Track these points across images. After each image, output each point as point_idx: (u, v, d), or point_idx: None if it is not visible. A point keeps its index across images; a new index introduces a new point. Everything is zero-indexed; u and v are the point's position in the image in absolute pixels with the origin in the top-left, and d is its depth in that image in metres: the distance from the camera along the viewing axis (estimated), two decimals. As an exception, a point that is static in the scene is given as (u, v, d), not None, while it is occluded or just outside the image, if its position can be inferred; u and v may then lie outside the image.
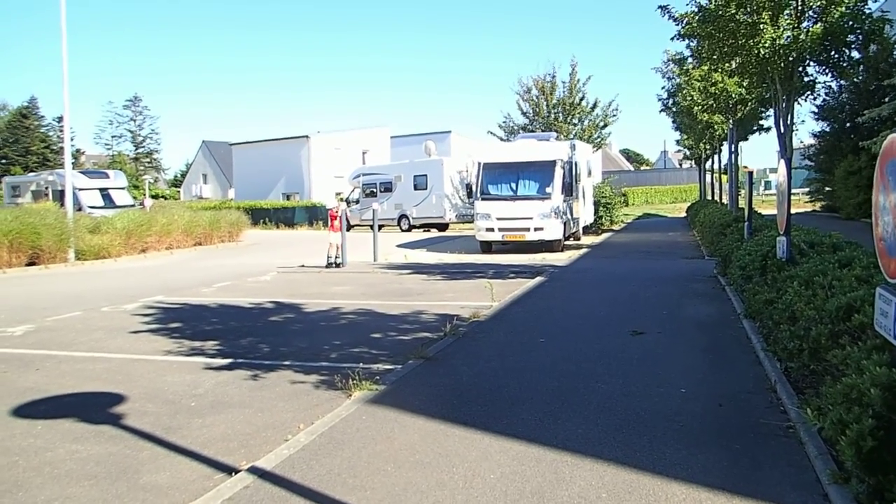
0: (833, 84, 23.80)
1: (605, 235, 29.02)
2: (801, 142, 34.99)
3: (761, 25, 12.41)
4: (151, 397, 6.53)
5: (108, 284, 16.01)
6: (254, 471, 4.52)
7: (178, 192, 74.91)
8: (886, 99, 23.66)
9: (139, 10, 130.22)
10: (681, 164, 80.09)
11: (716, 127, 25.67)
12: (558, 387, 6.34)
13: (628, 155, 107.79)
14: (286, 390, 6.64)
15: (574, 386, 6.37)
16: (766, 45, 12.39)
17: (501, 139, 36.13)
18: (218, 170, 68.17)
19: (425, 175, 35.72)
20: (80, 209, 26.81)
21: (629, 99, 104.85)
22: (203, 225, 27.94)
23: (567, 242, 23.22)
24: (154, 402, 6.36)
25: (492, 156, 23.39)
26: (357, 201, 37.44)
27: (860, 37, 12.64)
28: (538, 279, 14.29)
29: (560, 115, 35.19)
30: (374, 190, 37.25)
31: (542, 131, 31.68)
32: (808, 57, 12.73)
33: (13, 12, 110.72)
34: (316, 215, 42.79)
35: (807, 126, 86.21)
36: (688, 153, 45.33)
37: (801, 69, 13.14)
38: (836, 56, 12.95)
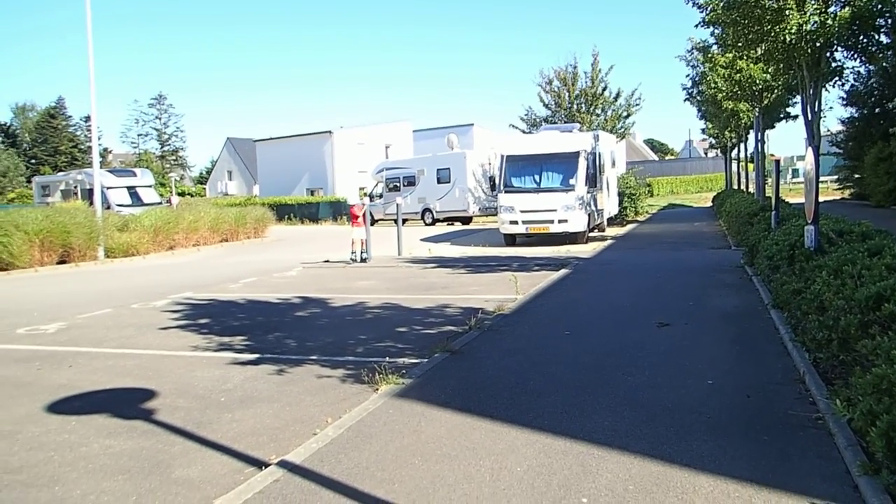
0: (861, 69, 23.39)
1: (629, 226, 28.84)
2: (828, 129, 34.44)
3: (787, 11, 12.23)
4: (182, 392, 6.63)
5: (137, 281, 16.24)
6: (283, 464, 4.58)
7: (204, 189, 75.68)
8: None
9: (163, 8, 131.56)
10: (706, 154, 79.41)
11: (741, 115, 25.35)
12: (584, 379, 6.34)
13: (653, 145, 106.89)
14: (313, 385, 6.71)
15: (600, 378, 6.36)
16: (793, 30, 12.21)
17: (524, 132, 36.00)
18: (242, 166, 68.73)
19: (448, 168, 35.70)
20: (108, 207, 27.18)
21: (653, 88, 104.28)
22: (229, 221, 28.22)
23: (591, 234, 23.11)
24: (184, 398, 6.46)
25: (515, 148, 23.32)
26: (381, 196, 37.54)
27: (889, 20, 12.42)
28: (563, 271, 14.25)
29: (582, 105, 34.98)
30: (398, 184, 37.32)
31: (565, 123, 31.54)
32: (835, 42, 12.54)
33: (39, 13, 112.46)
34: (340, 210, 42.96)
35: (835, 112, 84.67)
36: (713, 142, 44.90)
37: (828, 55, 12.94)
38: (865, 41, 12.74)
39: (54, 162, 70.34)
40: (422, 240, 25.03)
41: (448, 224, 35.54)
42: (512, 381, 6.40)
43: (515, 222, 21.65)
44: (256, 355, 8.00)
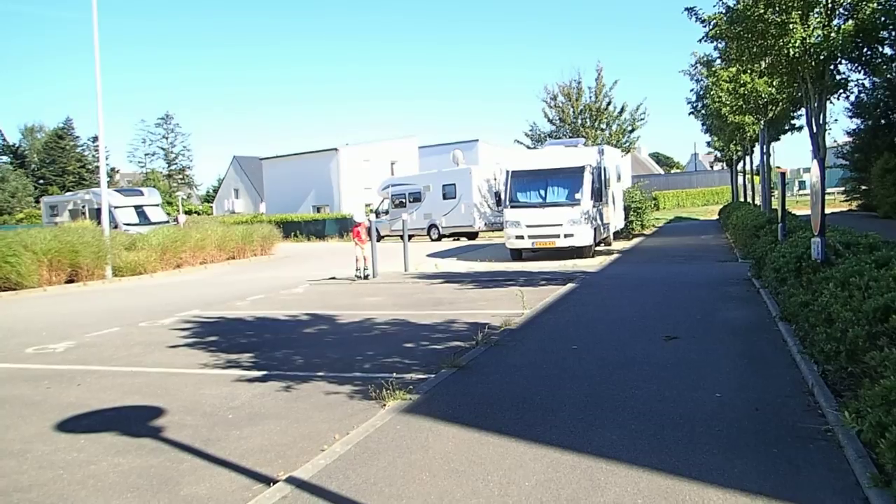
0: (866, 82, 23.39)
1: (636, 240, 28.81)
2: (835, 141, 34.44)
3: (791, 25, 12.26)
4: (190, 410, 6.64)
5: (145, 300, 16.30)
6: (291, 481, 4.58)
7: (211, 207, 76.00)
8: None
9: (169, 28, 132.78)
10: (712, 167, 79.34)
11: (746, 128, 25.37)
12: (592, 393, 6.33)
13: (658, 158, 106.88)
14: (321, 401, 6.71)
15: (608, 392, 6.34)
16: (797, 44, 12.24)
17: (529, 147, 36.08)
18: (249, 184, 69.03)
19: (454, 184, 35.80)
20: (116, 227, 27.34)
21: (658, 102, 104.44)
22: (236, 239, 28.34)
23: (598, 248, 23.09)
24: (192, 415, 6.47)
25: (520, 163, 23.38)
26: (387, 212, 37.65)
27: (893, 33, 12.43)
28: (569, 286, 14.24)
29: (587, 120, 35.02)
30: (404, 200, 37.43)
31: (570, 137, 31.60)
32: (839, 55, 12.54)
33: (47, 35, 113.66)
34: (346, 227, 43.03)
35: (840, 124, 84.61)
36: (719, 155, 44.87)
37: (832, 68, 12.96)
38: (869, 53, 12.75)
39: (62, 182, 70.76)
40: (428, 255, 25.06)
41: (454, 239, 35.58)
42: (519, 395, 6.39)
43: (521, 237, 21.67)
44: (264, 372, 8.01)
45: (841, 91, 13.82)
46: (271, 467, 5.03)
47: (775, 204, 18.00)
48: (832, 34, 12.12)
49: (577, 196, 21.30)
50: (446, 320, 10.93)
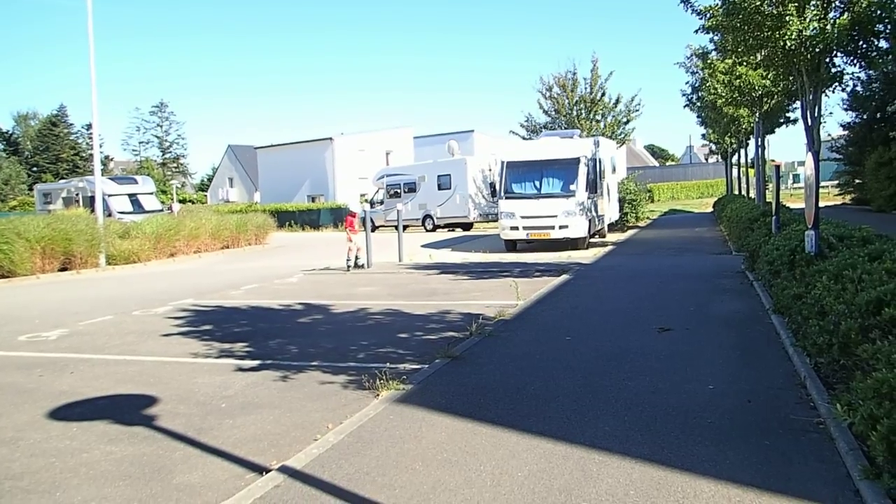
0: (862, 75, 23.41)
1: (630, 232, 28.84)
2: (829, 135, 34.50)
3: (787, 17, 12.25)
4: (183, 399, 6.64)
5: (139, 288, 16.26)
6: (284, 470, 4.59)
7: (205, 196, 75.81)
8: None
9: (164, 16, 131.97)
10: (707, 159, 79.47)
11: (742, 120, 25.37)
12: (585, 384, 6.34)
13: (653, 151, 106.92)
14: (315, 391, 6.71)
15: (601, 383, 6.36)
16: (793, 36, 12.23)
17: (524, 138, 36.06)
18: (244, 173, 68.83)
19: (449, 175, 35.76)
20: (109, 215, 27.28)
21: (653, 94, 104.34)
22: (230, 228, 28.28)
23: (592, 240, 23.12)
24: (186, 404, 6.46)
25: (515, 154, 23.36)
26: (381, 202, 37.61)
27: (889, 26, 12.43)
28: (564, 277, 14.26)
29: (582, 111, 35.03)
30: (398, 190, 37.39)
31: (565, 129, 31.58)
32: (835, 48, 12.54)
33: (41, 21, 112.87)
34: (341, 217, 42.96)
35: (835, 117, 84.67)
36: (714, 148, 44.96)
37: (828, 60, 12.95)
38: (864, 46, 12.74)
39: (56, 170, 70.53)
40: (423, 246, 25.05)
41: (449, 230, 35.57)
42: (513, 386, 6.40)
43: (516, 228, 21.67)
44: (258, 361, 8.00)
45: (836, 84, 13.81)
46: (264, 456, 5.03)
47: (769, 197, 18.05)
48: (828, 27, 12.12)
49: (572, 187, 21.30)
50: (440, 311, 10.93)
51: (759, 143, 23.01)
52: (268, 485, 4.37)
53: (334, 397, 6.44)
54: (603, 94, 35.13)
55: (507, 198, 22.04)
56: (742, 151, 33.85)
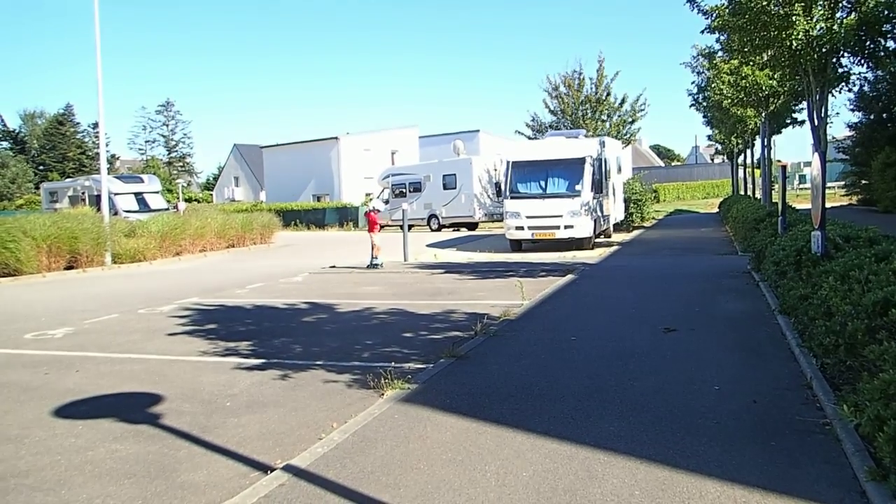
0: (868, 75, 23.34)
1: (636, 232, 28.81)
2: (834, 137, 34.42)
3: (794, 17, 12.22)
4: (188, 397, 6.64)
5: (144, 287, 16.29)
6: (289, 469, 4.59)
7: (211, 195, 75.96)
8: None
9: (170, 15, 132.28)
10: (712, 160, 79.22)
11: (748, 121, 25.33)
12: (590, 384, 6.33)
13: (659, 151, 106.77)
14: (319, 390, 6.71)
15: (606, 383, 6.34)
16: (799, 36, 12.21)
17: (529, 138, 36.04)
18: (249, 172, 68.97)
19: (454, 174, 35.76)
20: (115, 213, 27.32)
21: (659, 95, 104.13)
22: (235, 227, 28.32)
23: (597, 240, 23.09)
24: (190, 402, 6.47)
25: (520, 154, 23.35)
26: (387, 201, 37.60)
27: (896, 26, 12.41)
28: (569, 277, 14.24)
29: (588, 111, 34.99)
30: (404, 190, 37.40)
31: (570, 129, 31.55)
32: (841, 48, 12.51)
33: (48, 20, 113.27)
34: (346, 216, 43.09)
35: (841, 118, 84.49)
36: (719, 148, 44.84)
37: (834, 60, 12.92)
38: (871, 46, 12.71)
39: (62, 168, 70.73)
40: (428, 245, 25.05)
41: (454, 230, 35.57)
42: (518, 386, 6.39)
43: (521, 228, 21.66)
44: (263, 360, 8.01)
45: (843, 84, 13.79)
46: (269, 455, 5.03)
47: (776, 197, 17.98)
48: (835, 27, 12.09)
49: (578, 187, 21.28)
50: (445, 310, 10.93)
51: (766, 144, 22.99)
52: (272, 483, 4.37)
53: (339, 396, 6.44)
54: (608, 94, 35.09)
55: (512, 198, 22.03)
56: (748, 152, 33.79)
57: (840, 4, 12.44)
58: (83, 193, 34.51)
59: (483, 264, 18.12)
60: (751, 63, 16.41)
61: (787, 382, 6.05)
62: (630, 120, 35.54)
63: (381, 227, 20.23)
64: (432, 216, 36.34)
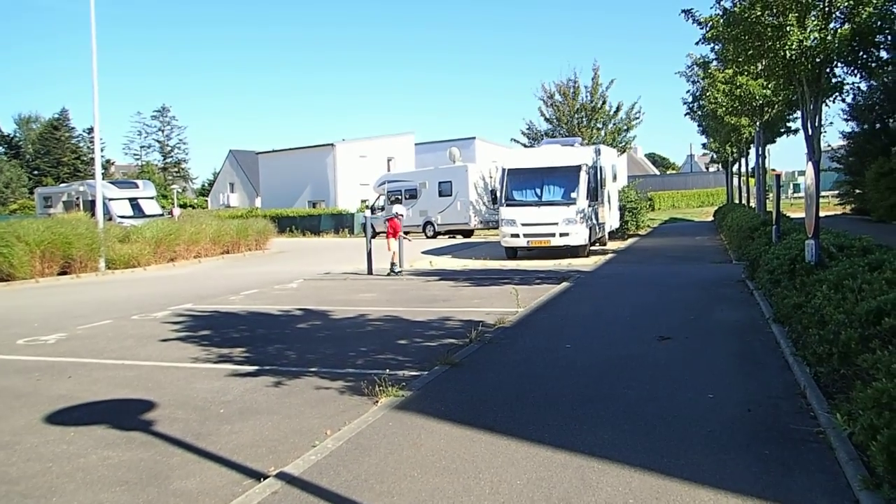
0: (862, 85, 23.46)
1: (631, 240, 28.85)
2: (829, 145, 34.54)
3: (788, 27, 12.26)
4: (181, 404, 6.62)
5: (138, 293, 16.24)
6: (282, 476, 4.57)
7: (206, 200, 75.86)
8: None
9: (167, 21, 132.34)
10: (707, 168, 79.55)
11: (742, 130, 25.41)
12: (584, 392, 6.32)
13: (654, 159, 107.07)
14: (313, 397, 6.69)
15: (600, 391, 6.34)
16: (794, 46, 12.24)
17: (525, 145, 36.12)
18: (245, 178, 68.91)
19: (450, 181, 35.80)
20: (110, 219, 27.29)
21: (654, 103, 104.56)
22: (230, 233, 28.24)
23: (593, 248, 23.11)
24: (184, 409, 6.44)
25: (516, 161, 23.38)
26: (382, 208, 37.60)
27: (889, 36, 12.46)
28: (564, 285, 14.25)
29: (583, 119, 35.08)
30: (399, 197, 37.35)
31: (566, 136, 31.62)
32: (835, 58, 12.55)
33: (44, 24, 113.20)
34: (342, 223, 43.02)
35: (836, 127, 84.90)
36: (714, 157, 45.01)
37: (828, 70, 12.97)
38: (865, 56, 12.76)
39: (57, 173, 70.54)
40: (423, 252, 25.04)
41: (449, 237, 35.55)
42: (512, 393, 6.38)
43: (517, 235, 21.66)
44: (256, 367, 7.98)
45: (837, 94, 13.83)
46: (262, 462, 5.01)
47: (770, 206, 18.05)
48: (829, 37, 12.13)
49: (573, 195, 21.30)
50: (440, 317, 10.92)
51: (760, 153, 23.04)
52: (265, 491, 4.35)
53: (333, 403, 6.42)
54: (604, 102, 35.21)
55: (507, 205, 22.04)
56: (743, 160, 33.91)
57: (834, 15, 12.49)
58: (77, 198, 34.42)
59: (478, 271, 18.12)
60: (745, 73, 16.47)
61: (781, 391, 6.06)
62: (625, 128, 35.65)
63: (376, 233, 20.17)
64: (428, 223, 36.34)
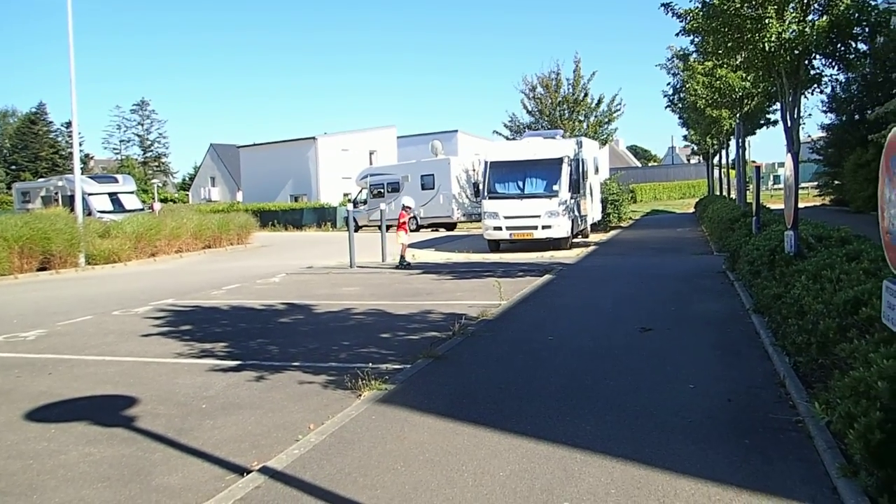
0: (840, 77, 23.69)
1: (613, 232, 28.99)
2: (809, 136, 34.88)
3: (766, 20, 12.35)
4: (163, 399, 6.58)
5: (119, 288, 16.10)
6: (265, 471, 4.56)
7: (187, 195, 75.20)
8: (895, 91, 23.53)
9: (145, 14, 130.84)
10: (689, 160, 80.00)
11: (722, 122, 25.59)
12: (567, 384, 6.36)
13: (636, 151, 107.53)
14: (296, 391, 6.68)
15: (583, 383, 6.38)
16: (772, 39, 12.32)
17: (508, 138, 36.12)
18: (226, 172, 68.42)
19: (432, 175, 35.77)
20: (89, 214, 26.99)
21: (636, 95, 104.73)
22: (212, 228, 28.06)
23: (575, 240, 23.20)
24: (166, 405, 6.41)
25: (498, 154, 23.39)
26: (365, 202, 37.52)
27: (866, 29, 12.57)
28: (546, 277, 14.29)
29: (565, 112, 35.12)
30: (382, 190, 37.31)
31: (548, 129, 31.65)
32: (813, 50, 12.66)
33: (20, 17, 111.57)
34: (324, 217, 42.86)
35: (814, 119, 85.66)
36: (695, 149, 45.27)
37: (807, 63, 13.08)
38: (843, 49, 12.87)
39: (35, 168, 69.64)
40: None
41: (432, 230, 35.54)
42: (495, 386, 6.40)
43: (499, 228, 21.69)
44: (239, 362, 7.95)
45: (815, 86, 13.96)
46: (245, 457, 4.99)
47: (750, 198, 18.19)
48: (807, 29, 12.23)
49: (555, 188, 21.36)
50: (423, 311, 10.92)
51: (740, 144, 23.23)
52: (248, 486, 4.34)
53: (316, 397, 6.41)
54: (586, 95, 35.24)
55: (490, 198, 22.05)
56: (723, 152, 34.13)
57: (812, 7, 12.59)
58: (56, 193, 34.02)
59: (461, 264, 18.14)
60: (725, 65, 16.56)
61: (761, 381, 6.12)
62: (607, 120, 35.71)
63: (359, 226, 20.10)
64: (410, 216, 36.27)
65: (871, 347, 4.22)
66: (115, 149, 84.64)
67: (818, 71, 13.61)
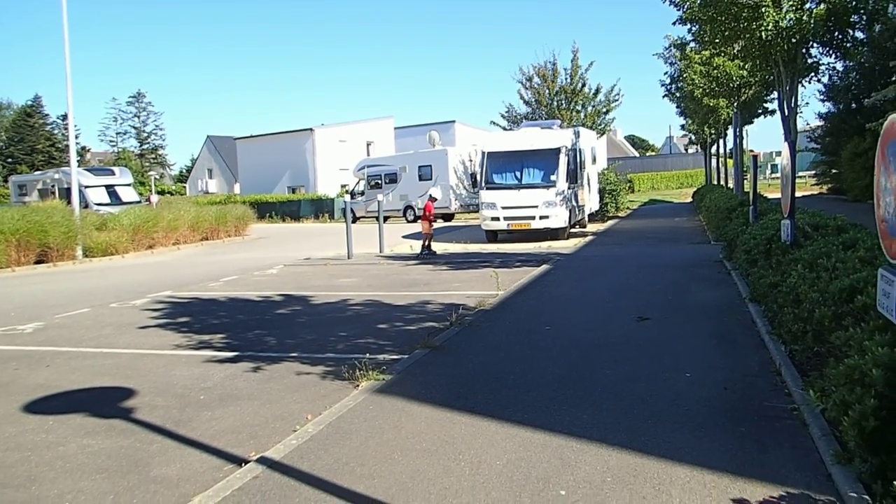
0: (838, 65, 23.65)
1: (610, 222, 28.99)
2: (807, 123, 34.84)
3: (764, 8, 12.33)
4: (161, 391, 6.59)
5: (116, 281, 16.10)
6: (263, 461, 4.58)
7: (184, 187, 75.10)
8: (893, 79, 23.47)
9: (140, 6, 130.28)
10: (686, 150, 79.91)
11: (720, 111, 25.59)
12: (564, 373, 6.38)
13: (633, 141, 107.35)
14: (294, 382, 6.69)
15: (580, 372, 6.40)
16: (770, 27, 12.32)
17: (505, 129, 36.06)
18: (223, 164, 68.24)
19: (430, 165, 35.72)
20: (86, 206, 26.92)
21: (634, 85, 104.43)
22: (209, 220, 28.02)
23: (573, 230, 23.21)
24: (163, 396, 6.42)
25: (496, 145, 23.35)
26: (362, 193, 37.48)
27: (864, 17, 12.58)
28: (544, 267, 14.30)
29: (563, 102, 35.05)
30: (379, 181, 37.26)
31: (546, 119, 31.60)
32: (811, 38, 12.66)
33: (15, 10, 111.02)
34: (322, 208, 42.81)
35: (812, 108, 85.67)
36: (693, 138, 45.25)
37: (804, 51, 13.07)
38: (840, 37, 12.87)
39: (31, 161, 69.44)
40: (403, 237, 25.00)
41: (430, 221, 35.45)
42: (492, 376, 6.42)
43: (497, 219, 21.69)
44: (236, 353, 7.96)
45: (812, 74, 13.96)
46: (243, 448, 5.01)
47: (747, 187, 18.20)
48: (804, 17, 12.23)
49: (553, 178, 21.34)
50: (420, 301, 10.93)
51: (738, 134, 23.24)
52: (246, 476, 4.36)
53: (313, 388, 6.42)
54: (583, 85, 35.17)
55: (487, 188, 22.03)
56: (721, 142, 34.17)
57: (809, -5, 12.60)
58: (53, 186, 33.91)
59: (459, 255, 18.14)
60: (722, 54, 16.56)
61: (757, 369, 6.15)
62: (604, 110, 35.66)
63: (357, 218, 20.10)
64: (408, 207, 36.25)
65: (866, 335, 4.23)
66: (111, 141, 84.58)
67: (815, 59, 13.62)
